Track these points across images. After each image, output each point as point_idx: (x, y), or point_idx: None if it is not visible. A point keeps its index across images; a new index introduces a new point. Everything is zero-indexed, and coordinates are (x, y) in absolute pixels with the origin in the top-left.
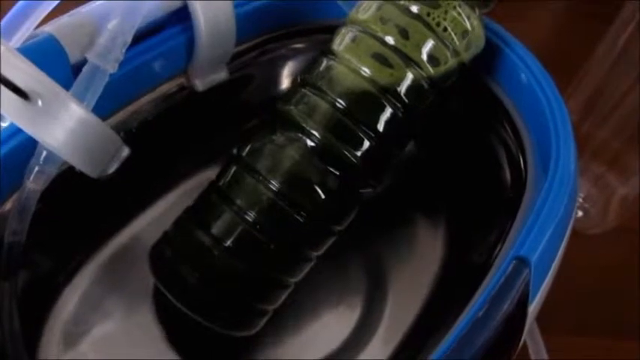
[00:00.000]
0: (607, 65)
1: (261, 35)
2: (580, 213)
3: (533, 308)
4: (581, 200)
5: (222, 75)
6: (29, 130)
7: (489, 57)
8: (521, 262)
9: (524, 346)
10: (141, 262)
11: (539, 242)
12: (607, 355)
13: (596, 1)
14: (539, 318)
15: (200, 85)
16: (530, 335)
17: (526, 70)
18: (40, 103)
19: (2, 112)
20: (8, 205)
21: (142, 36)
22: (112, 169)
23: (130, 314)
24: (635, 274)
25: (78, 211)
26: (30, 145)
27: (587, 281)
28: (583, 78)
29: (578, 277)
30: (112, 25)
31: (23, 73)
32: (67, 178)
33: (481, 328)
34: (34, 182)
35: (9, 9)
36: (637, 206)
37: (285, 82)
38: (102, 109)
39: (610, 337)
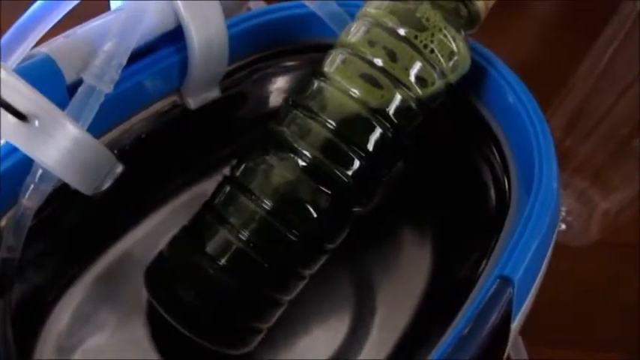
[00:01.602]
0: (591, 82)
1: (253, 54)
2: (563, 226)
3: (516, 325)
4: (564, 214)
5: (214, 93)
6: (25, 149)
7: (477, 79)
8: (505, 281)
9: (509, 358)
10: (133, 276)
11: (522, 261)
12: None
13: (580, 16)
14: (522, 330)
15: (192, 103)
16: (514, 348)
17: (512, 92)
18: (36, 123)
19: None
20: (3, 222)
21: (135, 56)
22: (105, 186)
23: (122, 328)
24: (616, 287)
25: (71, 226)
26: (25, 164)
27: (568, 293)
28: (567, 94)
29: (560, 288)
30: (107, 46)
31: (22, 96)
32: (61, 194)
33: (466, 345)
34: (30, 200)
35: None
36: (618, 221)
37: (276, 99)
38: (96, 128)
39: (590, 349)
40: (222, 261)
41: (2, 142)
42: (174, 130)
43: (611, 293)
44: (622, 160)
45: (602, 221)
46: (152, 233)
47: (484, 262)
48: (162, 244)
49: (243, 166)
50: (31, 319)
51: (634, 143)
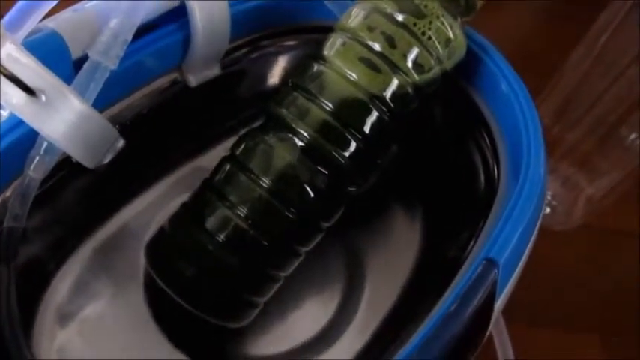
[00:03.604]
0: (581, 71)
1: (254, 33)
2: (547, 210)
3: (499, 304)
4: (549, 198)
5: (214, 71)
6: (32, 123)
7: (471, 66)
8: (490, 263)
9: (490, 335)
10: (131, 247)
11: (507, 244)
12: (568, 346)
13: (572, 4)
14: (503, 309)
15: (193, 80)
16: (496, 326)
17: (505, 80)
18: (43, 98)
19: (8, 107)
20: (8, 193)
21: (138, 32)
22: (107, 160)
23: (120, 297)
24: (596, 269)
25: (72, 197)
26: (30, 136)
27: (549, 275)
28: (557, 82)
29: (541, 270)
30: (113, 23)
31: (31, 71)
32: (63, 166)
33: (451, 324)
34: (35, 171)
35: (8, 7)
36: (602, 206)
37: (275, 78)
38: (98, 103)
39: (571, 330)
40: (222, 237)
41: (5, 114)
42: (174, 106)
43: (591, 276)
44: (609, 147)
45: (586, 206)
46: (150, 206)
47: (472, 243)
48: (160, 216)
49: (242, 146)
50: (32, 287)
51: (621, 131)
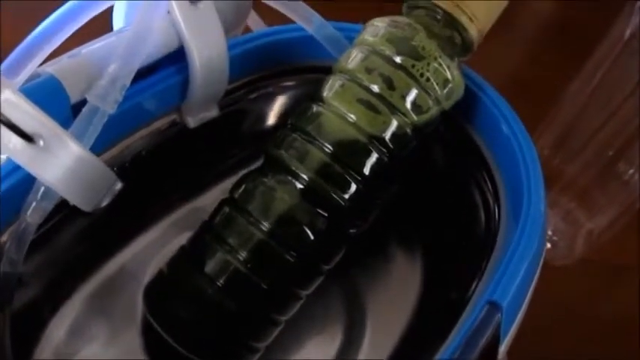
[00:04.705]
0: (579, 104)
1: (252, 74)
2: (548, 245)
3: (503, 348)
4: (550, 233)
5: (213, 112)
6: (29, 168)
7: (470, 106)
8: (494, 306)
9: None
10: (128, 290)
11: (510, 287)
12: None
13: (568, 39)
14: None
15: (192, 122)
16: None
17: (504, 121)
18: (41, 143)
19: (5, 152)
20: (4, 237)
21: (138, 75)
22: (105, 203)
23: (117, 341)
24: (596, 303)
25: (69, 241)
26: (28, 180)
27: (551, 311)
28: (555, 115)
29: (543, 307)
30: (112, 68)
31: (29, 117)
32: (60, 209)
33: None
34: (32, 217)
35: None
36: (601, 240)
37: (274, 118)
38: (97, 146)
39: None
40: (221, 281)
41: (4, 157)
42: (172, 147)
43: (594, 310)
44: (607, 181)
45: (587, 241)
46: (148, 247)
47: (474, 284)
48: (159, 258)
49: (242, 188)
50: (28, 332)
51: (619, 166)
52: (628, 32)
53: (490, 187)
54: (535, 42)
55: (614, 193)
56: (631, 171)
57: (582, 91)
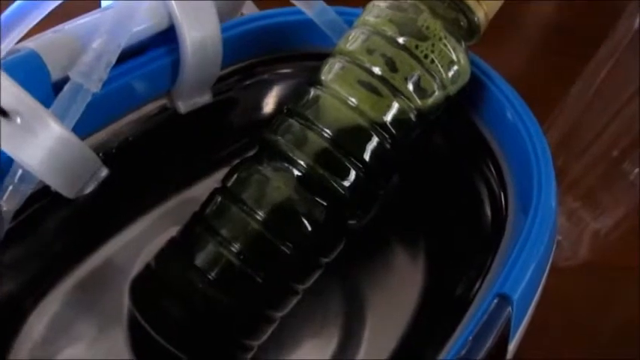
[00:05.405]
0: (582, 104)
1: (247, 59)
2: None
3: (512, 346)
4: None
5: (205, 98)
6: (5, 148)
7: (475, 93)
8: (504, 299)
9: None
10: (114, 285)
11: (521, 280)
12: None
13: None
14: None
15: (183, 107)
16: None
17: (511, 108)
18: (18, 120)
19: None
20: None
21: (125, 56)
22: (89, 190)
23: (101, 339)
24: (602, 305)
25: (50, 231)
26: (4, 163)
27: (557, 314)
28: (559, 114)
29: (550, 309)
30: (97, 44)
31: (5, 92)
32: (41, 196)
33: None
34: (8, 202)
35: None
36: (608, 242)
37: (269, 106)
38: (82, 129)
39: None
40: (213, 275)
41: None
42: (162, 134)
43: (601, 314)
44: (612, 182)
45: (593, 242)
46: (136, 240)
47: (479, 281)
48: (147, 251)
49: (235, 176)
50: (6, 327)
51: (624, 166)
52: (632, 31)
53: (496, 176)
54: (538, 42)
55: (620, 193)
56: (636, 170)
57: (586, 91)
